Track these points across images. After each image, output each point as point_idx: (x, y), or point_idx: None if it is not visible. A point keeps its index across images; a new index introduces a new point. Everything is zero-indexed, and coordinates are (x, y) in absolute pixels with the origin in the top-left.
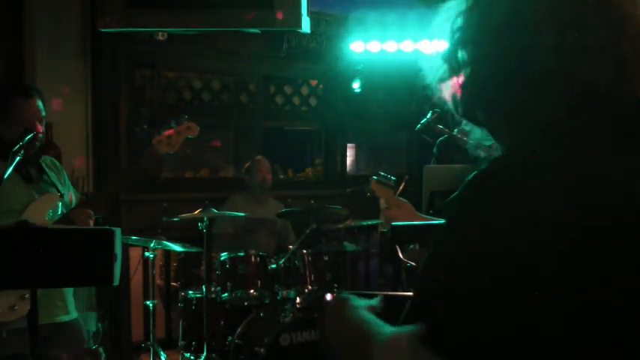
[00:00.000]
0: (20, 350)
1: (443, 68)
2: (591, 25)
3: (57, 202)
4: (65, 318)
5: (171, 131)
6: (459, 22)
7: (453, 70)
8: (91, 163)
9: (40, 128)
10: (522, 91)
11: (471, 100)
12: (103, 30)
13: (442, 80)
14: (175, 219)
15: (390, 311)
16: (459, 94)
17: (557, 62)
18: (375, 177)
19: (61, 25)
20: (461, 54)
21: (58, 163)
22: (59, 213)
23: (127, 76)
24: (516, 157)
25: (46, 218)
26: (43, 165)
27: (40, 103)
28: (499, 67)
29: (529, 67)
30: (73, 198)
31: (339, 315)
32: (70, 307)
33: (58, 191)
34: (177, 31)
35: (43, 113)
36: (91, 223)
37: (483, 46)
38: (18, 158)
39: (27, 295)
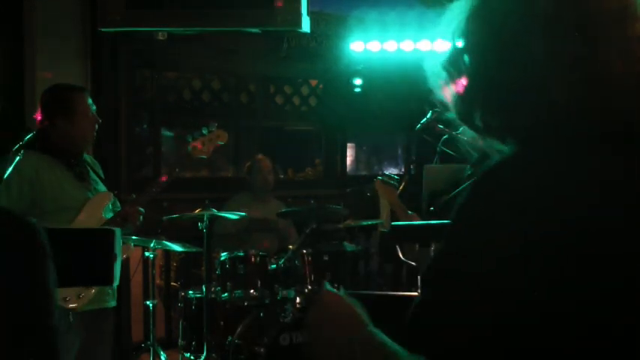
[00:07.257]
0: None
1: (445, 72)
2: (563, 39)
3: (110, 199)
4: (114, 303)
5: (204, 139)
6: (462, 27)
7: (455, 74)
8: None
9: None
10: (518, 97)
11: (472, 105)
12: (103, 30)
13: (444, 84)
14: (175, 216)
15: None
16: (460, 98)
17: (532, 75)
18: (379, 177)
19: (61, 25)
20: (463, 59)
21: (91, 159)
22: (110, 209)
23: (127, 76)
24: (519, 157)
25: (103, 215)
26: (86, 164)
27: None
28: (499, 74)
29: (522, 76)
30: None
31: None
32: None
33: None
34: (177, 31)
35: (94, 108)
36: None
37: (485, 53)
38: (18, 158)
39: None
